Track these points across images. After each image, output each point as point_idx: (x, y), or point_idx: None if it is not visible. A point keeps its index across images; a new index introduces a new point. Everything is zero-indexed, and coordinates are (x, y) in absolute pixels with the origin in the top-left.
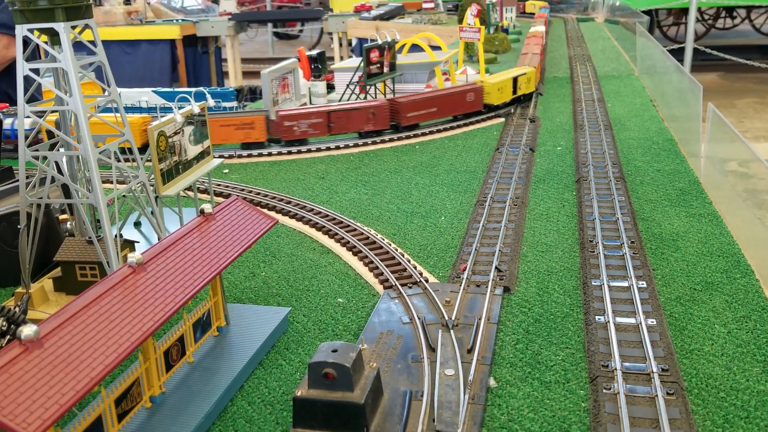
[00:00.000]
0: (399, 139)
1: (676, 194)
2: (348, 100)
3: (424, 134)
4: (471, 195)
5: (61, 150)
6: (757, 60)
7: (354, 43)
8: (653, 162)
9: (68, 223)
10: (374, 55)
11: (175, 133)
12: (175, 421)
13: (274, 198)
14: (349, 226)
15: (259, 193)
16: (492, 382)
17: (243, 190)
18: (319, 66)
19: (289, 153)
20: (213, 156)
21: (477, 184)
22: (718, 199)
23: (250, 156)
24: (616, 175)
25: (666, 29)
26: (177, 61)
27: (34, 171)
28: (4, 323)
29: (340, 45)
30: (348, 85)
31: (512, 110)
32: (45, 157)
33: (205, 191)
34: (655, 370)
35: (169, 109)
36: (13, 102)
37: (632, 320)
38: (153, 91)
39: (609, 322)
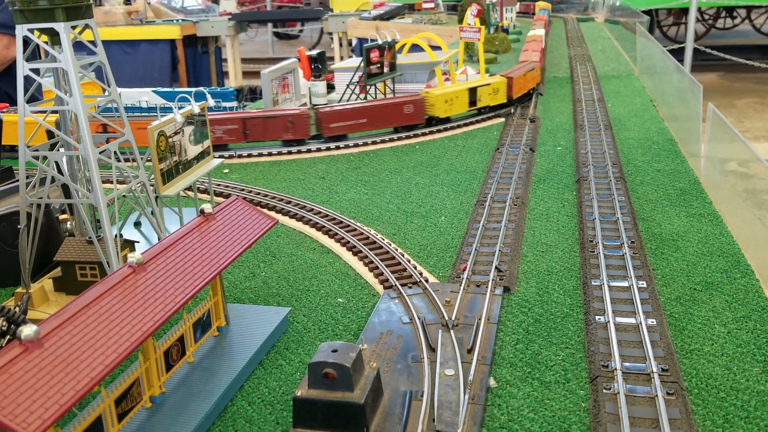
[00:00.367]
0: (399, 139)
1: (676, 194)
2: (348, 100)
3: (424, 134)
4: (471, 195)
5: (61, 150)
6: (757, 60)
7: (354, 43)
8: (653, 162)
9: (68, 223)
10: (374, 55)
11: (175, 133)
12: (175, 421)
13: (274, 198)
14: (349, 226)
15: (259, 193)
16: (492, 382)
17: (243, 190)
18: (319, 66)
19: (290, 153)
20: (213, 156)
21: (477, 184)
22: (718, 199)
23: (250, 156)
24: (616, 175)
25: (666, 29)
26: (177, 61)
27: (34, 171)
28: (4, 323)
29: (340, 45)
30: (348, 85)
31: (512, 110)
32: (45, 157)
33: (205, 191)
34: (655, 370)
35: (169, 109)
36: (14, 102)
37: (632, 320)
38: (153, 91)
39: (609, 322)
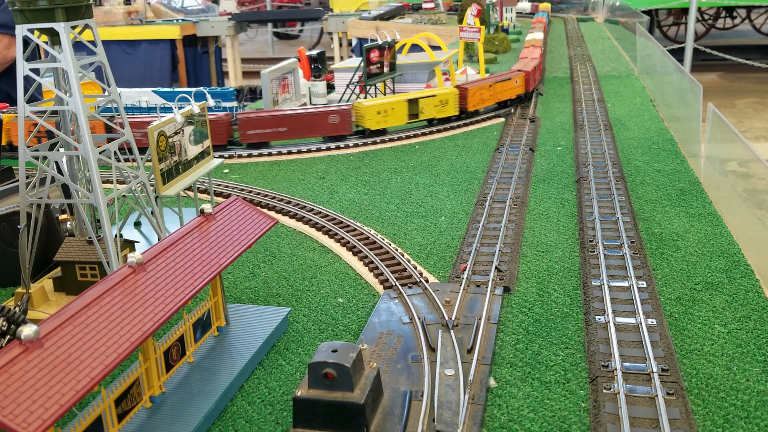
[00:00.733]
0: (399, 139)
1: (676, 194)
2: (348, 100)
3: (424, 134)
4: (471, 195)
5: (61, 150)
6: (757, 60)
7: (354, 43)
8: (653, 162)
9: (68, 223)
10: (374, 55)
11: (175, 133)
12: (175, 421)
13: (274, 198)
14: (349, 226)
15: (259, 193)
16: (492, 382)
17: (243, 190)
18: (319, 66)
19: (289, 153)
20: (213, 156)
21: (477, 184)
22: (718, 199)
23: (250, 156)
24: (616, 175)
25: (666, 29)
26: (177, 61)
27: (34, 171)
28: (4, 323)
29: (340, 45)
30: (348, 85)
31: (512, 110)
32: (45, 157)
33: (205, 191)
34: (655, 370)
35: (169, 109)
36: (14, 102)
37: (632, 320)
38: (153, 91)
39: (609, 322)
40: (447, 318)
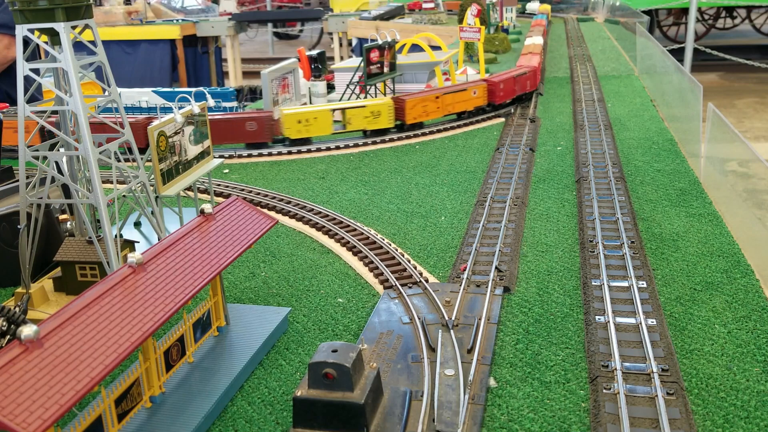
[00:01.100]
0: (399, 139)
1: (676, 194)
2: (348, 100)
3: (424, 134)
4: (471, 195)
5: (61, 150)
6: (757, 60)
7: (354, 43)
8: (653, 162)
9: (68, 223)
10: (374, 55)
11: (175, 133)
12: (175, 421)
13: (274, 198)
14: (349, 226)
15: (259, 193)
16: (492, 382)
17: (243, 190)
18: (319, 66)
19: (289, 153)
20: (214, 156)
21: (477, 184)
22: (718, 199)
23: (250, 156)
24: (616, 175)
25: (666, 29)
26: (177, 61)
27: (34, 171)
28: (4, 323)
29: (340, 45)
30: (348, 85)
31: (512, 110)
32: (45, 157)
33: (205, 191)
34: (655, 370)
35: (169, 109)
36: (14, 102)
37: (632, 320)
38: (153, 91)
39: (609, 322)
40: (447, 318)
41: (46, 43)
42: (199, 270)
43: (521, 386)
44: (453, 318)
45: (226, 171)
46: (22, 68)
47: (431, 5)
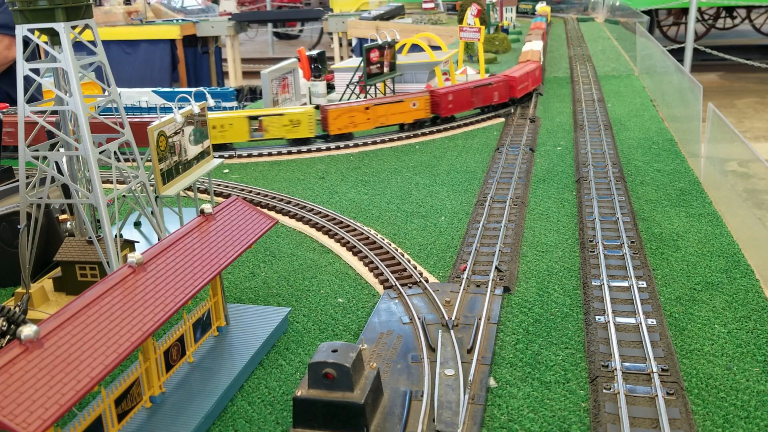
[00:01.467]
0: (399, 139)
1: (676, 194)
2: (348, 100)
3: (424, 134)
4: (471, 195)
5: (61, 150)
6: (757, 60)
7: (354, 43)
8: (653, 162)
9: (68, 223)
10: (374, 55)
11: (175, 133)
12: (175, 421)
13: (274, 198)
14: (349, 226)
15: (259, 193)
16: (492, 382)
17: (243, 190)
18: (319, 66)
19: (289, 153)
20: (213, 156)
21: (477, 184)
22: (718, 199)
23: (250, 156)
24: (616, 175)
25: (666, 29)
26: (177, 61)
27: (34, 171)
28: (4, 323)
29: (340, 45)
30: (348, 85)
31: (512, 110)
32: (45, 157)
33: (205, 191)
34: (655, 370)
35: (169, 109)
36: (14, 102)
37: (632, 320)
38: (153, 91)
39: (609, 322)
40: (447, 318)
41: (46, 43)
42: (199, 270)
43: (521, 386)
44: (453, 318)
45: (226, 171)
46: (22, 68)
47: (431, 5)
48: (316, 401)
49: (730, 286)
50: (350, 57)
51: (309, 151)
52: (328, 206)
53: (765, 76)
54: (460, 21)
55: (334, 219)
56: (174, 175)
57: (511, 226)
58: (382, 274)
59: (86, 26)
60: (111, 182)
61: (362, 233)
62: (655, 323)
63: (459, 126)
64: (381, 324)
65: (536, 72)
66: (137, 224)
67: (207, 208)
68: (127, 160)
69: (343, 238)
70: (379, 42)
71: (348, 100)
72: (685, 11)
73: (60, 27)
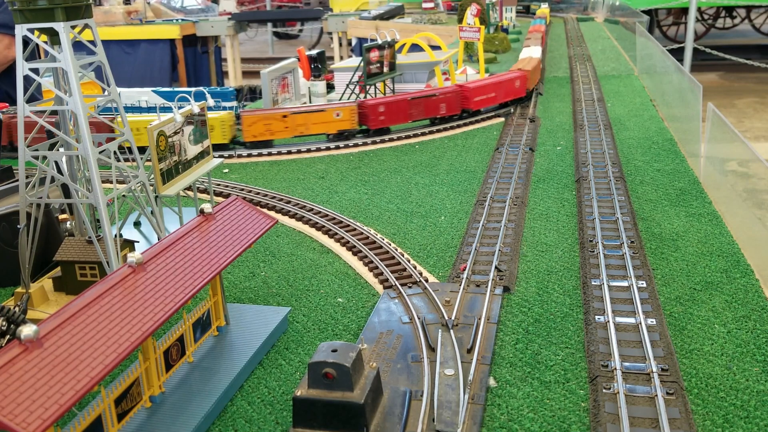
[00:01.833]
0: (399, 138)
1: (675, 194)
2: (348, 100)
3: (423, 134)
4: (471, 195)
5: (61, 150)
6: (757, 60)
7: (354, 42)
8: (653, 162)
9: (68, 222)
10: (374, 55)
11: (175, 133)
12: (174, 421)
13: (274, 198)
14: (348, 225)
15: (259, 193)
16: (492, 382)
17: (243, 189)
18: (318, 66)
19: (289, 153)
20: (213, 156)
21: (477, 183)
22: (718, 198)
23: (250, 156)
24: (615, 174)
25: (666, 29)
26: (177, 60)
27: (33, 171)
28: (4, 323)
29: (340, 45)
30: (348, 85)
31: (512, 110)
32: (45, 157)
33: (204, 191)
34: (654, 369)
35: (168, 109)
36: (14, 102)
37: (632, 320)
38: (153, 90)
39: (609, 321)
40: (447, 318)
41: (46, 42)
42: (198, 270)
43: (521, 386)
44: (453, 318)
45: (226, 171)
46: (22, 68)
47: (431, 5)
48: (315, 401)
49: (729, 286)
50: (350, 57)
51: (309, 151)
52: (327, 206)
53: (765, 76)
54: (460, 21)
55: (334, 219)
56: (174, 174)
57: (511, 226)
58: (381, 273)
59: (86, 26)
60: (111, 182)
61: (362, 233)
62: (654, 323)
63: (459, 126)
64: (381, 324)
65: (515, 82)
66: (137, 224)
67: (207, 207)
68: (126, 160)
69: (342, 237)
70: (379, 42)
71: (348, 99)
72: (684, 11)
73: (60, 27)
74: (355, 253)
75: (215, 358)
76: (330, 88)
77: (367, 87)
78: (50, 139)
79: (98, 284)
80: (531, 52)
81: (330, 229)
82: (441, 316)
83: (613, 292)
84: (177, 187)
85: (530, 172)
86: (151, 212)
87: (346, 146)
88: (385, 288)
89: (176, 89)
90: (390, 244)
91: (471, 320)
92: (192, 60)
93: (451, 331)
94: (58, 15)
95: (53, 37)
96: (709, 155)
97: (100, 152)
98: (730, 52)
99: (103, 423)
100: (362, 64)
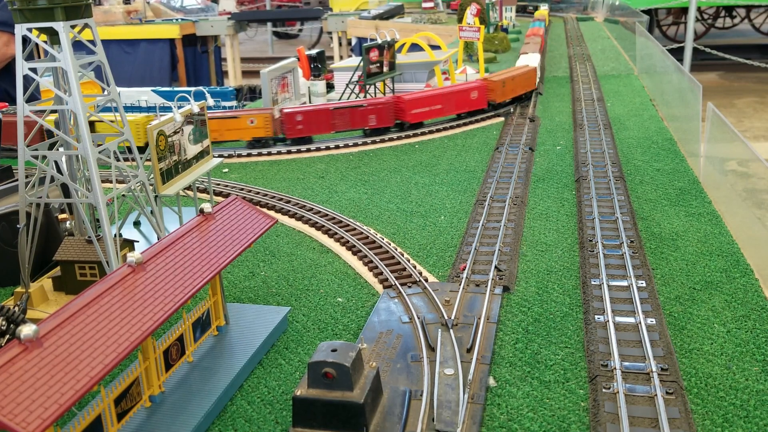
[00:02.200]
0: (399, 138)
1: (675, 194)
2: (348, 99)
3: (423, 134)
4: (470, 194)
5: (61, 149)
6: (757, 60)
7: (353, 42)
8: (653, 161)
9: (68, 222)
10: (374, 55)
11: (175, 133)
12: (174, 421)
13: (273, 197)
14: (348, 225)
15: (258, 193)
16: (491, 382)
17: (243, 189)
18: (318, 65)
19: (289, 152)
20: (213, 155)
21: (476, 183)
22: (718, 198)
23: (249, 155)
24: (615, 174)
25: (665, 29)
26: (176, 60)
27: (33, 170)
28: (4, 323)
29: (340, 44)
30: (347, 85)
31: (512, 110)
32: (44, 157)
33: (204, 191)
34: (654, 369)
35: (168, 109)
36: (13, 101)
37: (632, 319)
38: (152, 90)
39: (608, 321)
40: (446, 317)
41: (46, 42)
42: (198, 269)
43: (521, 385)
44: (452, 317)
45: (226, 170)
46: (22, 68)
47: (431, 5)
48: (315, 401)
49: (729, 286)
50: (350, 56)
51: (309, 150)
52: (327, 206)
53: (765, 76)
54: (460, 20)
55: (334, 218)
56: (173, 174)
57: (511, 226)
58: (381, 273)
59: (85, 25)
60: (110, 181)
61: (362, 233)
62: (654, 322)
63: (458, 125)
64: (380, 323)
65: (471, 93)
66: (137, 224)
67: (206, 207)
68: (126, 160)
69: (342, 237)
70: (379, 41)
71: (348, 99)
72: (684, 11)
73: (59, 26)
74: (354, 253)
75: (215, 358)
76: (330, 87)
77: (367, 86)
78: (50, 139)
79: (98, 284)
80: (528, 60)
81: (330, 229)
82: (441, 316)
83: (612, 291)
84: (177, 187)
85: (530, 172)
86: (151, 212)
87: (346, 146)
88: (384, 288)
89: (176, 89)
90: (390, 244)
91: (471, 320)
92: (192, 60)
93: (451, 330)
94: (58, 14)
95: (53, 36)
96: (708, 155)
97: (100, 152)
98: (730, 51)
99: (103, 423)
100: (362, 63)
